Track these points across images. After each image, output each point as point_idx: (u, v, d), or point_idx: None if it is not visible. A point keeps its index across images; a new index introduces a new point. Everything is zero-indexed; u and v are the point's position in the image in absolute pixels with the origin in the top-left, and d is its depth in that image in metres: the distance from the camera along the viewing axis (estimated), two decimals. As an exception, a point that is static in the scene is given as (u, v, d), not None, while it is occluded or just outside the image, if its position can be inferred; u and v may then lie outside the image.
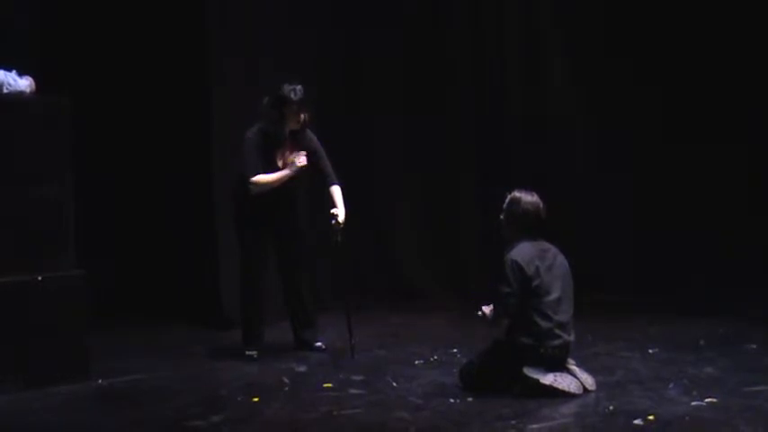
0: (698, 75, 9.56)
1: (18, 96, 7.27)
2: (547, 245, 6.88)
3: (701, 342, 8.03)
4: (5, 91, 7.23)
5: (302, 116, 7.77)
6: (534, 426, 6.13)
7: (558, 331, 6.67)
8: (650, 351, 7.81)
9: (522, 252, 6.74)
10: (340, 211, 7.84)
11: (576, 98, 9.98)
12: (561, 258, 6.87)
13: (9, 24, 8.66)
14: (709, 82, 9.54)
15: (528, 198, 6.87)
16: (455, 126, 10.13)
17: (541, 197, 9.69)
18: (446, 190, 10.07)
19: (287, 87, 7.73)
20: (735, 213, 9.53)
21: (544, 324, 6.64)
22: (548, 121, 10.06)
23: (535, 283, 6.65)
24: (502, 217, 6.91)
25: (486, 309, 6.81)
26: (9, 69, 7.28)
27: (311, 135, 7.93)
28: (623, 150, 9.81)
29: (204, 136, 9.14)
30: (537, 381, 6.61)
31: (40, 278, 7.15)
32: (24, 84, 7.29)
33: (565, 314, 6.75)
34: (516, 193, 6.91)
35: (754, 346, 7.85)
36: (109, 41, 9.56)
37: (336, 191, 7.90)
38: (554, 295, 6.69)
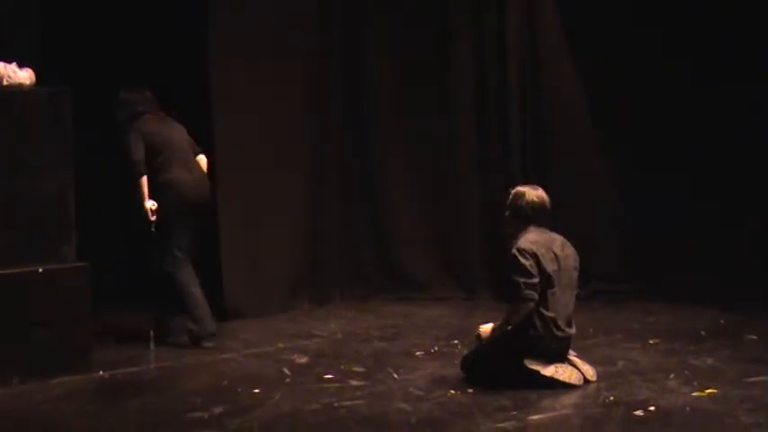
0: (698, 72, 9.53)
1: (18, 88, 7.27)
2: (554, 234, 6.86)
3: (702, 333, 8.05)
4: (5, 83, 7.24)
5: None
6: (535, 417, 6.15)
7: (561, 323, 6.68)
8: (651, 342, 7.82)
9: (533, 241, 6.70)
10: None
11: (577, 98, 9.95)
12: (570, 249, 6.84)
13: (9, 24, 8.65)
14: (708, 81, 9.50)
15: (533, 191, 6.86)
16: (455, 125, 10.08)
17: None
18: (446, 188, 10.04)
19: None
20: (735, 205, 9.51)
21: (549, 315, 6.64)
22: (548, 121, 10.03)
23: (548, 272, 6.62)
24: (507, 213, 6.89)
25: (484, 329, 6.81)
26: (9, 61, 7.28)
27: None
28: (624, 150, 9.79)
29: (204, 135, 9.12)
30: (538, 372, 6.61)
31: (41, 270, 7.15)
32: (24, 76, 7.30)
33: (568, 306, 6.76)
34: (520, 188, 6.91)
35: (755, 337, 7.87)
36: (109, 42, 9.53)
37: None
38: (559, 287, 6.70)
